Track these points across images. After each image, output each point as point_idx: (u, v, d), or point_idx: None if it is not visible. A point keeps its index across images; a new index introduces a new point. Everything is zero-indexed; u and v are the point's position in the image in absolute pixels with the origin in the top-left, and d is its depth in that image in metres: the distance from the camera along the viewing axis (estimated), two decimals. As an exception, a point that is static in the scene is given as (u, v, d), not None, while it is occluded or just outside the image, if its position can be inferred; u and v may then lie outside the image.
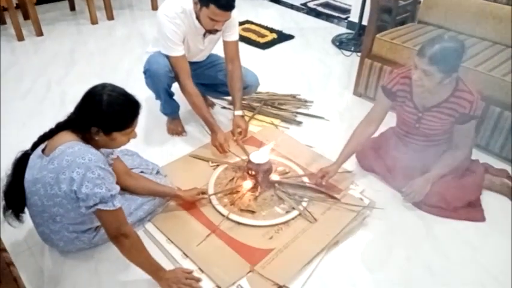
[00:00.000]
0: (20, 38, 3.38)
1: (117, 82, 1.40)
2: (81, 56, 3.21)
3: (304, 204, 1.84)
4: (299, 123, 2.49)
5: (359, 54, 2.95)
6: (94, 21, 3.76)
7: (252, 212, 1.80)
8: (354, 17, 3.78)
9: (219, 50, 2.27)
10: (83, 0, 3.89)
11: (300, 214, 1.80)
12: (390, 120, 2.05)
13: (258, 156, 1.88)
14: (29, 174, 1.40)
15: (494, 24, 2.46)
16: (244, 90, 2.26)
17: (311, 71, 3.15)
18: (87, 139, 1.37)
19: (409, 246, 1.73)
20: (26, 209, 1.49)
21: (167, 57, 2.05)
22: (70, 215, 1.41)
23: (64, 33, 3.60)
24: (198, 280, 1.50)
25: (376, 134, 2.10)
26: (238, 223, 1.74)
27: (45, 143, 1.40)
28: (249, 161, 1.88)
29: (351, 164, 2.11)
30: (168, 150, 2.22)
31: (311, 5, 4.51)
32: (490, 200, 1.94)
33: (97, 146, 1.39)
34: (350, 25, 3.88)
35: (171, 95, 2.21)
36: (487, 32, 2.49)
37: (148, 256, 1.41)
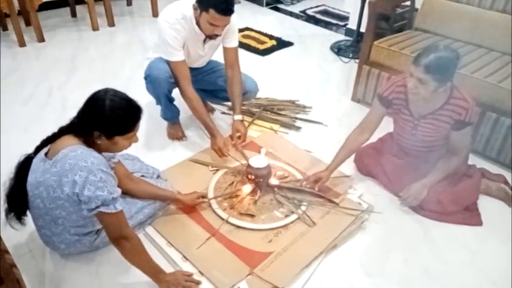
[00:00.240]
0: (22, 44, 3.41)
1: (118, 88, 1.43)
2: (82, 62, 3.24)
3: (303, 208, 1.86)
4: (298, 128, 2.52)
5: (357, 60, 2.98)
6: (95, 28, 3.80)
7: (252, 215, 1.81)
8: (352, 24, 3.82)
9: (219, 57, 2.30)
10: (84, 7, 3.92)
11: (298, 218, 1.81)
12: (388, 126, 2.08)
13: (257, 160, 1.90)
14: (31, 178, 1.42)
15: (490, 31, 2.50)
16: (243, 96, 2.28)
17: (310, 77, 3.18)
18: (89, 143, 1.39)
19: (407, 249, 1.74)
20: (27, 212, 1.51)
21: (168, 62, 2.08)
22: (72, 218, 1.43)
23: (65, 39, 3.63)
24: (198, 283, 1.51)
25: (375, 139, 2.12)
26: (238, 227, 1.76)
27: (48, 146, 1.42)
28: (249, 166, 1.90)
29: (350, 168, 2.13)
30: (168, 154, 2.24)
31: (310, 12, 4.56)
32: (487, 205, 1.96)
33: (99, 150, 1.41)
34: (348, 32, 3.92)
35: (171, 100, 2.24)
36: (483, 39, 2.53)
37: (148, 259, 1.43)
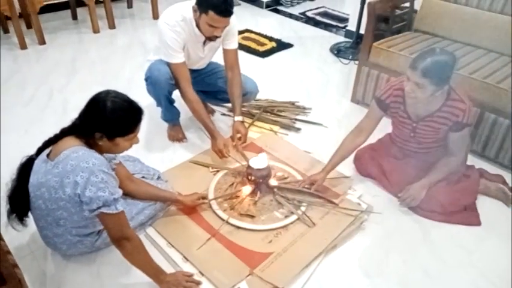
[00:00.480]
0: (23, 46, 3.42)
1: (118, 90, 1.43)
2: (83, 64, 3.25)
3: (303, 208, 1.87)
4: (298, 129, 2.53)
5: (356, 62, 2.99)
6: (96, 30, 3.81)
7: (252, 216, 1.82)
8: (351, 26, 3.83)
9: (219, 58, 2.31)
10: (85, 10, 3.94)
11: (298, 218, 1.82)
12: (387, 127, 2.09)
13: (257, 161, 1.91)
14: (33, 179, 1.43)
15: (488, 32, 2.51)
16: (243, 97, 2.30)
17: (310, 78, 3.19)
18: (90, 144, 1.40)
19: (406, 250, 1.75)
20: (29, 213, 1.52)
21: (168, 64, 2.09)
22: (73, 219, 1.44)
23: (66, 41, 3.64)
24: (198, 283, 1.52)
25: (374, 140, 2.13)
26: (238, 227, 1.77)
27: (50, 148, 1.43)
28: (249, 167, 1.91)
29: (349, 169, 2.14)
30: (168, 156, 2.25)
31: (309, 14, 4.58)
32: (485, 205, 1.97)
33: (100, 151, 1.42)
34: (348, 34, 3.94)
35: (171, 102, 2.25)
36: (481, 40, 2.54)
37: (149, 259, 1.43)
